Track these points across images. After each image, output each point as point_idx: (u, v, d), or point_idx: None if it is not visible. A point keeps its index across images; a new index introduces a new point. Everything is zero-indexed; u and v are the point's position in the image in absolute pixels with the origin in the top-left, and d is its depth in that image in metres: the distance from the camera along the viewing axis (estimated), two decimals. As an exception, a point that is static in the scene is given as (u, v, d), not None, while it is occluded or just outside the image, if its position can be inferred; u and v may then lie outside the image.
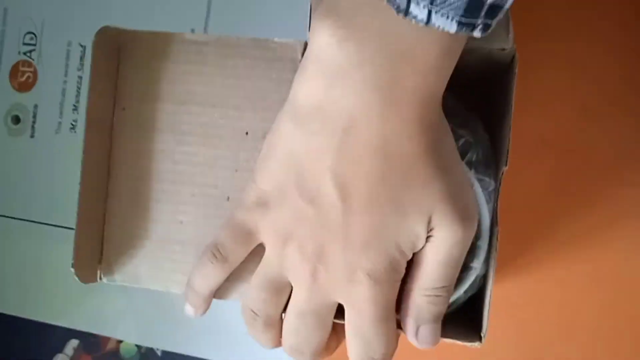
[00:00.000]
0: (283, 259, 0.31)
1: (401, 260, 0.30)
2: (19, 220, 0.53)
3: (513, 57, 0.33)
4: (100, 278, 0.36)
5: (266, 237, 0.32)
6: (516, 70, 0.33)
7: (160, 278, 0.36)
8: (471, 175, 0.33)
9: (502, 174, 0.33)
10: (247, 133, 0.35)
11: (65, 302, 0.53)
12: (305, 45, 0.34)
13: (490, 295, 0.33)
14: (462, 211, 0.29)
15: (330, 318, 0.32)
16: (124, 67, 0.36)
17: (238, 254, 0.33)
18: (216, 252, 0.33)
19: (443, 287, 0.31)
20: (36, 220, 0.53)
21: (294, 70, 0.34)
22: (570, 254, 0.47)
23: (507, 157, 0.33)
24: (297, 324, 0.32)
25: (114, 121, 0.36)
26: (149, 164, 0.36)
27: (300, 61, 0.34)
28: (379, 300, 0.30)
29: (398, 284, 0.31)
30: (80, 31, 0.52)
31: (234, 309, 0.51)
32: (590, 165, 0.47)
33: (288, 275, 0.31)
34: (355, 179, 0.29)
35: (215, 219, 0.35)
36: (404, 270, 0.30)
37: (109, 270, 0.36)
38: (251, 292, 0.33)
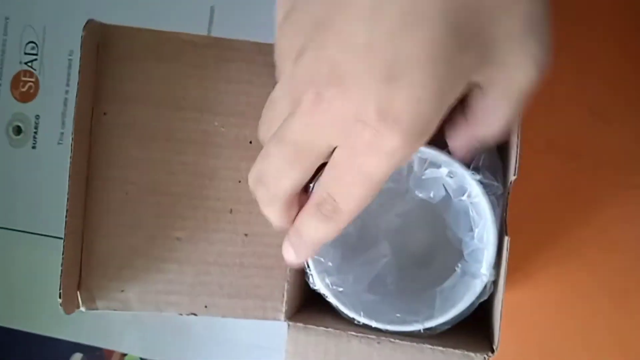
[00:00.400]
0: (291, 79, 0.26)
1: None
2: (21, 233, 0.53)
3: None
4: (79, 306, 0.33)
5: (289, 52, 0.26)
6: None
7: (152, 301, 0.33)
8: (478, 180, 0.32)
9: (511, 183, 0.32)
10: (250, 142, 0.33)
11: (66, 316, 0.52)
12: None
13: (501, 307, 0.32)
14: None
15: (312, 169, 0.26)
16: (108, 66, 0.33)
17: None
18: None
19: None
20: (38, 232, 0.52)
21: None
22: (579, 259, 0.46)
23: (516, 166, 0.32)
24: (273, 150, 0.26)
25: (92, 126, 0.33)
26: (140, 174, 0.33)
27: None
28: (389, 158, 0.24)
29: None
30: (82, 40, 0.52)
31: (239, 320, 0.51)
32: (598, 169, 0.46)
33: (292, 100, 0.25)
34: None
35: (217, 234, 0.33)
36: None
37: (88, 297, 0.33)
38: (262, 116, 0.28)
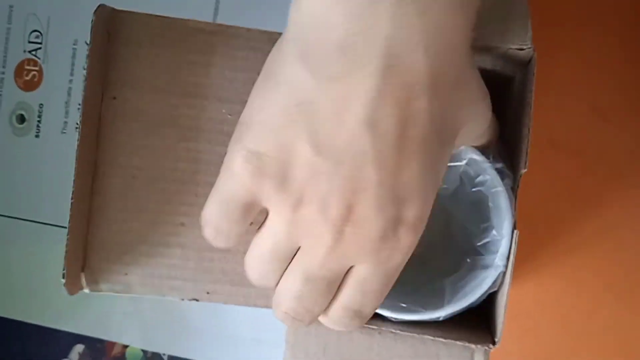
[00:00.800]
0: (295, 225, 0.27)
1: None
2: (24, 221, 0.52)
3: (531, 57, 0.32)
4: (82, 288, 0.33)
5: (270, 202, 0.27)
6: (534, 71, 0.32)
7: (154, 285, 0.33)
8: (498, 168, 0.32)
9: (520, 176, 0.32)
10: None
11: (70, 306, 0.52)
12: None
13: (506, 300, 0.32)
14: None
15: (338, 282, 0.28)
16: (117, 51, 0.33)
17: (238, 233, 0.29)
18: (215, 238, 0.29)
19: None
20: (42, 221, 0.52)
21: None
22: (581, 257, 0.47)
23: (526, 159, 0.32)
24: (303, 290, 0.28)
25: (101, 111, 0.33)
26: (146, 160, 0.33)
27: None
28: (406, 254, 0.27)
29: None
30: (86, 29, 0.51)
31: (241, 314, 0.51)
32: (601, 167, 0.47)
33: (300, 241, 0.27)
34: (398, 126, 0.25)
35: None
36: None
37: (92, 279, 0.33)
38: (252, 262, 0.29)
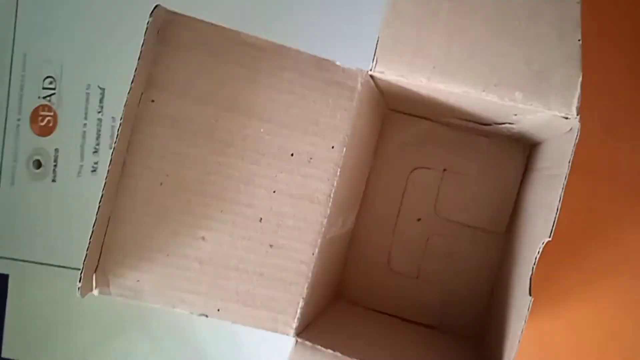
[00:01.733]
0: None
1: None
2: (41, 265, 0.53)
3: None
4: (93, 289, 0.32)
5: None
6: (576, 142, 0.32)
7: (167, 295, 0.33)
8: None
9: (543, 244, 0.32)
10: (292, 155, 0.33)
11: (88, 348, 0.52)
12: (367, 77, 0.33)
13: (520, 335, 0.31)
14: None
15: None
16: (164, 53, 0.32)
17: None
18: None
19: None
20: (58, 265, 0.52)
21: (351, 99, 0.33)
22: (601, 282, 0.46)
23: (552, 229, 0.31)
24: None
25: (138, 112, 0.32)
26: (176, 168, 0.32)
27: (359, 92, 0.32)
28: None
29: None
30: (99, 74, 0.52)
31: (261, 346, 0.50)
32: (617, 188, 0.46)
33: None
34: None
35: (242, 240, 0.33)
36: None
37: (103, 281, 0.32)
38: None
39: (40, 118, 0.53)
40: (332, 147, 0.33)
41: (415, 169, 0.45)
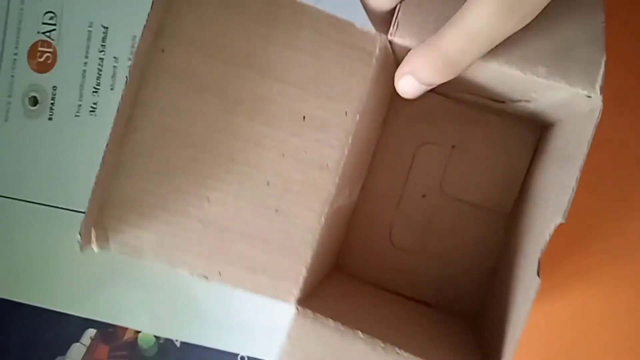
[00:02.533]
0: None
1: None
2: (37, 205, 0.52)
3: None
4: (92, 243, 0.31)
5: None
6: (597, 122, 0.31)
7: (166, 255, 0.32)
8: None
9: (556, 226, 0.31)
10: (304, 118, 0.32)
11: (82, 291, 0.52)
12: (386, 42, 0.32)
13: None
14: None
15: None
16: (177, 3, 0.31)
17: None
18: None
19: None
20: (54, 205, 0.52)
21: (369, 64, 0.31)
22: (611, 266, 0.46)
23: (566, 210, 0.31)
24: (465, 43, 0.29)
25: (146, 62, 0.31)
26: (182, 123, 0.31)
27: (377, 57, 0.31)
28: None
29: None
30: (102, 12, 0.50)
31: (253, 301, 0.50)
32: (625, 160, 0.45)
33: None
34: None
35: (247, 203, 0.31)
36: None
37: (103, 236, 0.31)
38: None
39: (38, 54, 0.51)
40: (346, 113, 0.32)
41: (423, 144, 0.44)
